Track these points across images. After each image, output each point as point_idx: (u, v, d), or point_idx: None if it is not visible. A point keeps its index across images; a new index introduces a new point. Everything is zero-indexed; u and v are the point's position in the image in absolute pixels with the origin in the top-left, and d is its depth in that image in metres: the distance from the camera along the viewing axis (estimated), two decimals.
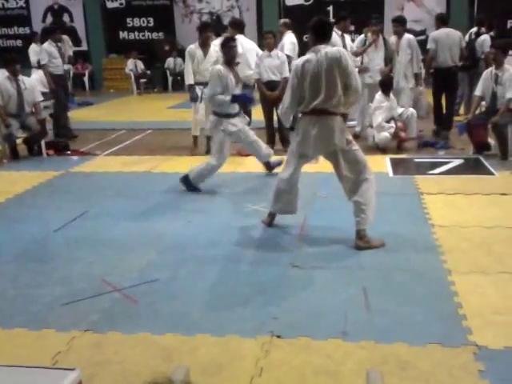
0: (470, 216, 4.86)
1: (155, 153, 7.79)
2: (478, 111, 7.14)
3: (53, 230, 4.81)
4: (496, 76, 6.79)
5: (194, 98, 7.36)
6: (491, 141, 6.98)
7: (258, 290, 3.62)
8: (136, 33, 16.56)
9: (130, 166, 7.02)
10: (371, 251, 4.15)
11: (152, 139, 8.98)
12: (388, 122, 7.30)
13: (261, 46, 8.03)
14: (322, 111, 4.12)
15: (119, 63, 15.94)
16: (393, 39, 8.08)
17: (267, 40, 7.40)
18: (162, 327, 3.19)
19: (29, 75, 9.02)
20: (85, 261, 4.17)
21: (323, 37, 4.19)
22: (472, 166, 6.59)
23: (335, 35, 8.07)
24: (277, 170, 5.93)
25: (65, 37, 10.06)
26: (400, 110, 7.49)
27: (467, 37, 9.47)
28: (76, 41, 15.22)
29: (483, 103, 7.13)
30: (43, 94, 8.31)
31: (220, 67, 5.70)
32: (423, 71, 8.46)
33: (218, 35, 8.49)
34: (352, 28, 13.26)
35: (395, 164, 6.70)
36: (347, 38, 8.38)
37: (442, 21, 8.26)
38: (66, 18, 16.60)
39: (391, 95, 7.39)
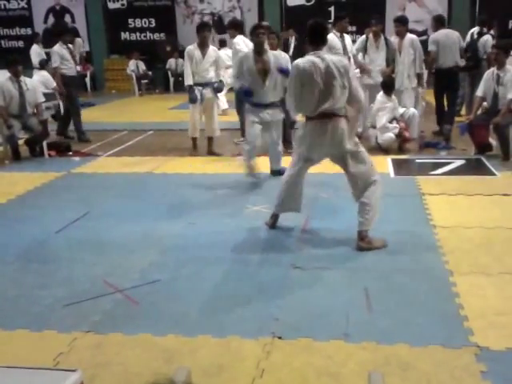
0: (472, 217, 4.86)
1: (157, 154, 7.79)
2: (479, 112, 7.14)
3: (54, 231, 4.81)
4: (498, 76, 6.78)
5: (193, 99, 7.31)
6: (493, 141, 6.98)
7: (259, 291, 3.62)
8: (138, 34, 16.58)
9: (131, 167, 7.03)
10: (373, 252, 4.14)
11: (153, 140, 8.99)
12: (390, 122, 7.30)
13: None
14: (332, 115, 4.13)
15: (121, 64, 15.96)
16: (394, 39, 8.07)
17: (270, 40, 7.39)
18: (164, 328, 3.19)
19: (30, 76, 9.03)
20: (86, 262, 4.17)
21: (320, 40, 4.21)
22: (474, 167, 6.59)
23: (334, 37, 8.06)
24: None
25: (78, 39, 10.04)
26: (401, 111, 7.49)
27: (469, 37, 9.46)
28: None
29: (485, 104, 7.13)
30: (45, 95, 8.32)
31: (247, 54, 5.97)
32: (425, 72, 8.45)
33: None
34: (353, 28, 13.35)
35: (397, 164, 6.70)
36: (347, 38, 8.30)
37: (440, 22, 8.29)
38: (67, 18, 16.63)
39: (392, 96, 7.39)
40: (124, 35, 16.61)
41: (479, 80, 7.30)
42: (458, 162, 6.68)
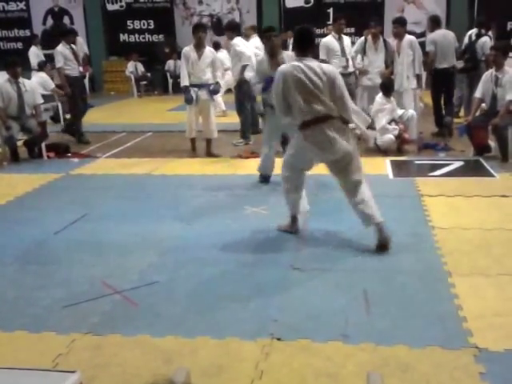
0: (471, 218, 4.86)
1: (155, 155, 7.79)
2: (478, 113, 7.15)
3: (53, 233, 4.81)
4: (496, 78, 6.79)
5: (189, 100, 7.31)
6: (491, 143, 6.98)
7: (258, 292, 3.62)
8: (136, 35, 16.57)
9: (130, 169, 7.03)
10: (371, 253, 4.14)
11: (152, 141, 8.99)
12: (389, 123, 7.30)
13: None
14: (323, 119, 4.07)
15: (119, 65, 15.94)
16: (393, 41, 8.08)
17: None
18: (163, 329, 3.19)
19: (29, 78, 9.02)
20: (85, 263, 4.17)
21: (306, 46, 4.21)
22: (472, 168, 6.59)
23: (332, 39, 8.08)
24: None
25: (80, 39, 10.02)
26: (400, 112, 7.50)
27: (467, 38, 9.45)
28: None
29: (483, 105, 7.14)
30: (43, 96, 8.32)
31: (260, 59, 6.00)
32: (424, 73, 8.46)
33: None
34: (352, 30, 13.35)
35: (395, 166, 6.70)
36: (346, 40, 8.28)
37: (436, 22, 8.30)
38: (66, 20, 16.60)
39: (391, 97, 7.40)
40: (123, 37, 16.60)
41: (477, 81, 7.31)
42: (457, 164, 6.68)
